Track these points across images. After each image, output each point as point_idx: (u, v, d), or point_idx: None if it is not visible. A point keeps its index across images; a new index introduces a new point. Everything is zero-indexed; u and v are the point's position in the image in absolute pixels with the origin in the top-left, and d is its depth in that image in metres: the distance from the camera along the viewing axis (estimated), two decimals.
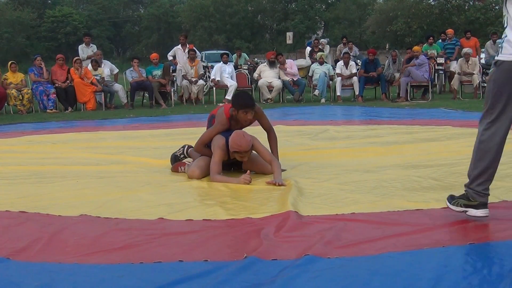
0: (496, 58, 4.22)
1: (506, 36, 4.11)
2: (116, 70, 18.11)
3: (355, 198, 5.13)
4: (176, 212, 4.72)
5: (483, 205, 4.26)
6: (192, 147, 6.74)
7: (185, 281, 3.21)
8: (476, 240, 3.78)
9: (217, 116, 6.35)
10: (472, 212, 4.26)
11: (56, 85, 16.04)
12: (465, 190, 4.36)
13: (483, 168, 4.31)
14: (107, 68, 17.39)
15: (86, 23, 61.76)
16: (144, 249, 3.81)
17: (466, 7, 44.35)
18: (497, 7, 43.18)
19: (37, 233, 4.21)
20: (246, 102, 6.28)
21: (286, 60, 18.50)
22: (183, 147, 6.99)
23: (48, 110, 15.63)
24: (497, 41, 19.18)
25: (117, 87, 16.96)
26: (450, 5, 44.41)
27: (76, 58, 16.84)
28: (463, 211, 4.30)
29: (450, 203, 4.40)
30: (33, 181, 6.24)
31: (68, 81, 16.16)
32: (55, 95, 15.95)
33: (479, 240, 3.78)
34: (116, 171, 6.76)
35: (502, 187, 5.33)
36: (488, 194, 4.30)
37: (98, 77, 16.46)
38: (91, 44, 18.49)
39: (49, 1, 67.26)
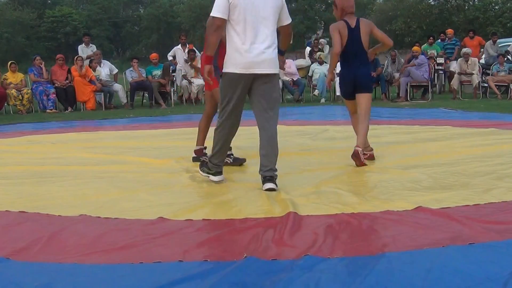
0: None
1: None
2: (115, 70, 18.10)
3: (355, 198, 5.13)
4: (176, 212, 4.73)
5: (219, 173, 5.91)
6: None
7: (185, 281, 3.21)
8: (476, 240, 3.78)
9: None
10: (212, 178, 5.91)
11: (56, 85, 16.04)
12: (206, 162, 6.01)
13: (219, 148, 5.83)
14: (106, 68, 17.38)
15: (85, 23, 61.69)
16: (144, 249, 3.81)
17: (466, 6, 44.32)
18: (496, 7, 43.18)
19: (37, 233, 4.22)
20: None
21: (286, 59, 18.46)
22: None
23: (48, 110, 15.62)
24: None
25: (117, 87, 16.95)
26: (449, 5, 44.39)
27: (78, 56, 16.83)
28: (206, 176, 5.97)
29: (199, 169, 6.08)
30: (32, 181, 6.25)
31: (68, 80, 16.16)
32: (54, 95, 15.95)
33: (479, 241, 3.77)
34: (116, 171, 6.76)
35: (502, 187, 5.34)
36: (221, 165, 5.92)
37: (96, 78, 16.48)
38: (90, 44, 18.48)
39: (49, 1, 67.22)
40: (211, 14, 5.58)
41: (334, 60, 7.20)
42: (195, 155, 7.16)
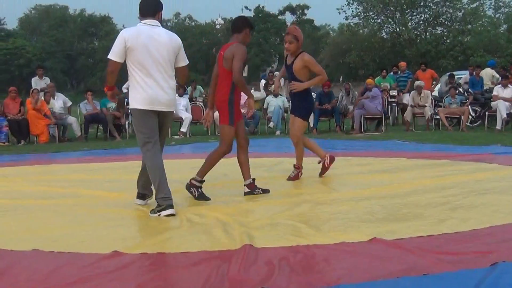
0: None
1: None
2: (69, 103, 17.95)
3: (310, 230, 5.14)
4: (130, 246, 4.68)
5: (170, 206, 5.92)
6: None
7: None
8: (430, 271, 3.81)
9: (236, 48, 6.83)
10: (163, 213, 5.87)
11: (9, 117, 15.85)
12: (156, 200, 6.01)
13: (158, 182, 5.99)
14: (60, 101, 17.24)
15: (39, 55, 61.30)
16: (98, 284, 3.76)
17: (418, 40, 45.09)
18: (448, 41, 44.00)
19: None
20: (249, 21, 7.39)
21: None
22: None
23: (0, 143, 15.40)
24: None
25: (71, 119, 16.82)
26: (402, 39, 45.12)
27: (34, 88, 16.67)
28: (159, 215, 5.86)
29: (151, 213, 5.97)
30: None
31: (20, 113, 15.99)
32: (7, 128, 15.77)
33: (433, 271, 3.80)
34: (69, 205, 6.68)
35: (455, 218, 5.41)
36: (169, 198, 5.95)
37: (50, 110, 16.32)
38: (44, 77, 18.33)
39: (2, 34, 66.65)
40: (108, 56, 6.07)
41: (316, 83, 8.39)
42: (248, 190, 7.12)
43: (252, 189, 7.08)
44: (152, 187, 6.25)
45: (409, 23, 45.90)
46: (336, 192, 7.13)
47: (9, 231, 5.42)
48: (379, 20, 46.19)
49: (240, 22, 7.15)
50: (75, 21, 70.63)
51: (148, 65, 5.97)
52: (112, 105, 17.03)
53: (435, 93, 19.42)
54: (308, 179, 8.25)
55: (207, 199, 6.78)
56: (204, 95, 22.69)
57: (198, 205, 6.52)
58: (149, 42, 5.98)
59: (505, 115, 16.07)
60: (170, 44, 6.09)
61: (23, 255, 4.49)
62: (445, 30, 45.51)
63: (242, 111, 16.74)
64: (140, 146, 6.20)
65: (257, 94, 20.30)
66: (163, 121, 6.26)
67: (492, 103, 16.79)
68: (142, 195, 6.56)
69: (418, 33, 46.24)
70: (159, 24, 6.17)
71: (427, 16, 45.81)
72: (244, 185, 7.14)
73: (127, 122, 17.35)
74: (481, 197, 6.46)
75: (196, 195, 6.82)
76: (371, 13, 45.55)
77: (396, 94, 19.24)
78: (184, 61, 6.29)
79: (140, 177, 6.47)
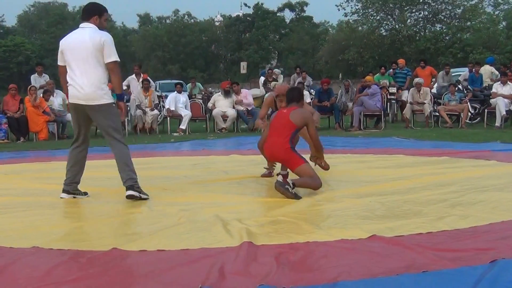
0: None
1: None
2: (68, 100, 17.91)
3: (309, 227, 5.14)
4: (130, 243, 4.68)
5: (65, 191, 6.87)
6: None
7: None
8: (429, 268, 3.81)
9: (308, 114, 7.23)
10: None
11: (8, 115, 15.84)
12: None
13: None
14: (59, 98, 17.21)
15: (38, 53, 61.31)
16: (97, 281, 3.76)
17: (417, 37, 45.11)
18: (447, 38, 44.02)
19: None
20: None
21: (242, 90, 18.49)
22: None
23: None
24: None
25: (69, 117, 16.75)
26: (401, 36, 45.14)
27: (31, 86, 16.67)
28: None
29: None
30: None
31: (20, 111, 15.99)
32: (7, 125, 15.75)
33: (432, 268, 3.80)
34: (68, 202, 6.69)
35: (454, 215, 5.41)
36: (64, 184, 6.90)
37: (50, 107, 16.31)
38: (43, 74, 18.33)
39: (1, 31, 66.62)
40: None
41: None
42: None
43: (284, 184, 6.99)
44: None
45: (408, 20, 45.99)
46: (335, 189, 7.13)
47: (9, 228, 5.42)
48: (378, 17, 46.31)
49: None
50: (74, 18, 70.52)
51: (71, 64, 6.65)
52: None
53: (434, 90, 19.40)
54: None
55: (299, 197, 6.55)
56: (203, 93, 22.71)
57: (198, 202, 6.52)
58: (72, 43, 6.69)
59: (504, 112, 16.06)
60: (90, 42, 6.55)
61: (23, 253, 4.49)
62: (444, 27, 45.59)
63: (241, 108, 16.76)
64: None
65: (256, 91, 20.33)
66: (93, 115, 6.76)
67: (491, 100, 16.78)
68: (66, 191, 6.97)
69: (417, 30, 46.34)
70: (92, 26, 6.69)
71: (426, 13, 45.90)
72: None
73: (126, 120, 17.34)
74: (480, 194, 6.46)
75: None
76: (370, 10, 45.64)
77: (395, 91, 19.23)
78: (109, 57, 6.61)
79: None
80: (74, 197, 6.87)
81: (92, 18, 6.72)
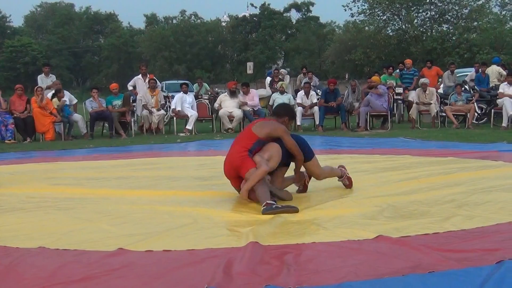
0: None
1: None
2: (75, 101, 17.98)
3: (315, 227, 5.14)
4: (136, 243, 4.68)
5: None
6: None
7: None
8: (436, 268, 3.80)
9: (277, 126, 6.63)
10: None
11: (15, 115, 15.87)
12: None
13: None
14: (66, 98, 17.22)
15: (45, 53, 61.45)
16: (103, 281, 3.77)
17: (424, 37, 45.04)
18: (453, 38, 43.94)
19: None
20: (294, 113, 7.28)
21: (250, 89, 18.46)
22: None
23: (6, 141, 15.43)
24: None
25: (76, 117, 16.82)
26: (407, 36, 45.08)
27: (38, 86, 16.70)
28: None
29: None
30: None
31: (27, 111, 16.01)
32: (13, 126, 15.78)
33: (438, 269, 3.79)
34: (75, 202, 6.68)
35: (461, 215, 5.39)
36: None
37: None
38: (50, 74, 18.38)
39: (8, 31, 66.79)
40: None
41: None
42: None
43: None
44: None
45: (415, 20, 45.88)
46: (341, 190, 7.12)
47: (15, 228, 5.43)
48: (384, 17, 46.23)
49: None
50: (80, 19, 70.83)
51: None
52: (117, 102, 17.04)
53: (440, 90, 19.37)
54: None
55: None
56: (209, 93, 22.71)
57: (203, 203, 6.52)
58: None
59: (511, 113, 16.01)
60: None
61: (29, 253, 4.49)
62: (451, 27, 45.50)
63: (247, 108, 16.76)
64: None
65: (262, 92, 20.32)
66: None
67: (498, 101, 16.74)
68: None
69: (424, 30, 46.24)
70: None
71: (433, 13, 45.81)
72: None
73: (132, 120, 17.37)
74: (487, 194, 6.44)
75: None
76: (377, 10, 45.56)
77: (401, 92, 19.21)
78: None
79: None
80: None
81: None
